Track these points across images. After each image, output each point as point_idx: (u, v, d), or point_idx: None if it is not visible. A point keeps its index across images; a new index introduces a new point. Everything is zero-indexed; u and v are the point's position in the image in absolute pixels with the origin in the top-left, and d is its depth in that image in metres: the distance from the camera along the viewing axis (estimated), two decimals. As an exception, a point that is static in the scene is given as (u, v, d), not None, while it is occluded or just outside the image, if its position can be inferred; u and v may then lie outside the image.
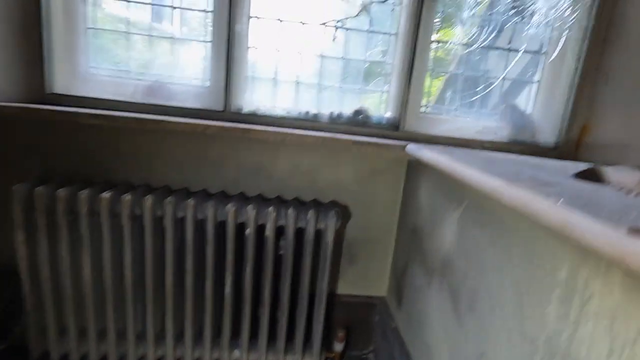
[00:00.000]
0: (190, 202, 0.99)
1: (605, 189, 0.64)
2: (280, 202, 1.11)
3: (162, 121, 1.07)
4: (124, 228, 1.00)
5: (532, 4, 1.30)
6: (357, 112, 1.40)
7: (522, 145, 1.41)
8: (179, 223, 1.03)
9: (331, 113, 1.39)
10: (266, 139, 1.10)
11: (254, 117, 1.35)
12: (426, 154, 0.91)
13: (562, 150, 1.40)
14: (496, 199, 0.56)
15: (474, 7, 1.31)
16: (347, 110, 1.40)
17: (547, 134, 1.41)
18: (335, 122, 1.38)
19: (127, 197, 0.98)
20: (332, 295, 1.29)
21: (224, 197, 1.10)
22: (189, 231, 1.01)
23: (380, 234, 1.26)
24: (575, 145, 1.38)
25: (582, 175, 0.73)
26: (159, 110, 1.32)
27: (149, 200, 0.98)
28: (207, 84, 1.38)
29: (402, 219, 1.23)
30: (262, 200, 1.10)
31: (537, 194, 0.49)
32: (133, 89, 1.36)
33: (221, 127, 1.08)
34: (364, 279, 1.29)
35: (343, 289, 1.29)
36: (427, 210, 1.00)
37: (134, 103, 1.32)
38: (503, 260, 0.62)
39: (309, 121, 1.37)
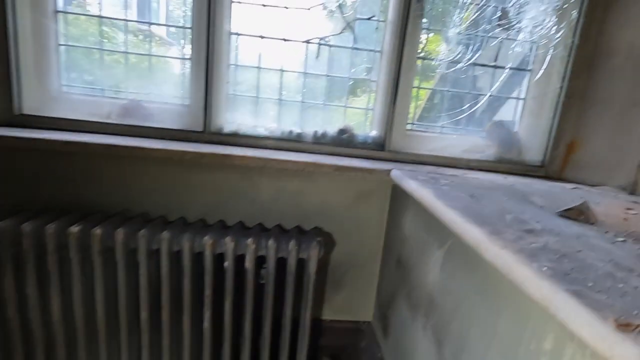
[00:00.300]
0: (165, 235, 0.95)
1: (592, 233, 0.62)
2: (262, 231, 1.07)
3: (138, 148, 1.02)
4: (94, 263, 0.94)
5: (517, 22, 1.28)
6: (342, 131, 1.36)
7: (509, 164, 1.39)
8: (154, 255, 0.98)
9: (315, 132, 1.35)
10: (246, 165, 1.05)
11: (235, 138, 1.31)
12: (410, 185, 0.88)
13: (548, 169, 1.38)
14: (479, 253, 0.53)
15: (459, 24, 1.28)
16: (332, 129, 1.37)
17: (534, 152, 1.40)
18: (320, 142, 1.34)
19: (97, 231, 0.93)
20: (317, 321, 1.25)
21: (202, 226, 1.06)
22: (164, 264, 0.96)
23: (365, 259, 1.23)
24: (562, 164, 1.37)
25: (567, 214, 0.71)
26: (136, 131, 1.26)
27: (120, 233, 0.93)
28: (187, 102, 1.33)
29: (387, 244, 1.20)
30: (242, 229, 1.06)
31: (520, 256, 0.46)
32: (108, 108, 1.30)
33: (199, 153, 1.04)
34: (350, 304, 1.26)
35: (329, 314, 1.26)
36: (412, 242, 0.97)
37: (109, 124, 1.27)
38: (489, 314, 0.59)
39: (292, 141, 1.33)
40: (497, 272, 0.59)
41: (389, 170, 1.08)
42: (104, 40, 1.32)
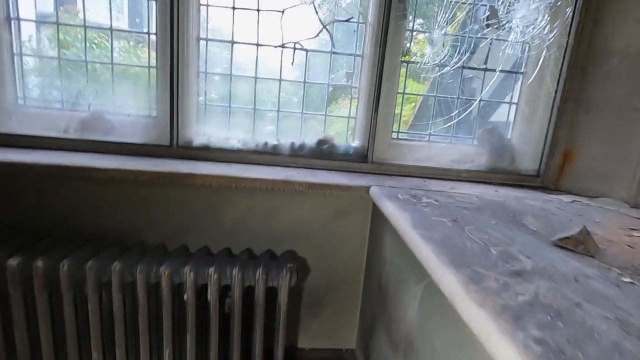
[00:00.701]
0: (116, 266, 0.85)
1: (592, 271, 0.52)
2: (228, 257, 0.97)
3: (88, 168, 0.92)
4: (37, 298, 0.84)
5: (507, 22, 1.19)
6: (321, 142, 1.27)
7: (501, 174, 1.29)
8: (106, 288, 0.88)
9: (292, 144, 1.26)
10: (210, 184, 0.96)
11: (205, 152, 1.21)
12: (387, 208, 0.78)
13: (544, 179, 1.29)
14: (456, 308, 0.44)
15: (445, 25, 1.19)
16: (311, 139, 1.27)
17: (528, 161, 1.30)
18: (297, 154, 1.25)
19: (39, 264, 0.83)
20: (292, 350, 1.15)
21: (162, 253, 0.96)
22: (116, 299, 0.86)
23: (346, 281, 1.13)
24: (558, 173, 1.27)
25: (564, 244, 0.61)
26: (96, 147, 1.17)
27: (65, 265, 0.83)
28: (154, 113, 1.24)
29: (369, 265, 1.10)
30: (206, 256, 0.96)
31: (501, 321, 0.36)
32: (66, 122, 1.20)
33: (157, 172, 0.94)
34: (331, 330, 1.16)
35: (306, 342, 1.16)
36: (391, 268, 0.87)
37: (68, 139, 1.17)
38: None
39: (268, 154, 1.23)
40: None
41: (368, 187, 0.98)
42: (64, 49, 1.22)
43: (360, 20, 1.24)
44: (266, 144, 1.25)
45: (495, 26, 1.20)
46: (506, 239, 0.63)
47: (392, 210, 0.76)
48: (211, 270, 0.87)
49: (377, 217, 1.05)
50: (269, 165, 1.21)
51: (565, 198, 1.10)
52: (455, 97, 1.31)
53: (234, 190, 1.04)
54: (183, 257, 0.93)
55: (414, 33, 1.25)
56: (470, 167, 1.29)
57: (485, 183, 1.27)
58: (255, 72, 1.26)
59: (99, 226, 1.02)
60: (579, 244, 0.60)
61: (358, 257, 1.11)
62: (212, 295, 0.88)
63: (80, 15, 1.24)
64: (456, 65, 1.22)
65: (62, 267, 0.84)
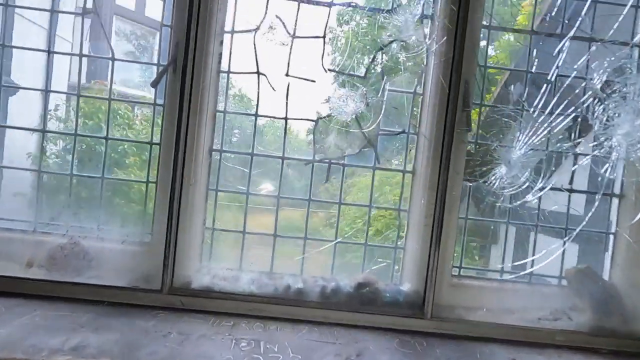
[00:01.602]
0: None
1: None
2: None
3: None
4: None
5: (606, 139, 0.92)
6: (361, 285, 0.95)
7: (611, 337, 0.93)
8: None
9: (323, 288, 0.94)
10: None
11: (206, 300, 0.90)
12: None
13: (673, 347, 0.92)
14: None
15: (526, 142, 0.92)
16: (347, 282, 0.95)
17: (647, 320, 0.94)
18: (329, 303, 0.92)
19: None
20: None
21: None
22: None
23: None
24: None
25: None
26: (64, 292, 0.88)
27: None
28: (147, 239, 0.96)
29: None
30: None
31: None
32: (32, 253, 0.93)
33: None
34: None
35: None
36: None
37: (28, 280, 0.88)
38: None
39: (290, 303, 0.92)
40: None
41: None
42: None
43: (411, 131, 0.99)
44: (288, 287, 0.94)
45: (593, 146, 0.93)
46: None
47: None
48: None
49: None
50: (291, 321, 0.89)
51: None
52: (531, 224, 1.01)
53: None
54: None
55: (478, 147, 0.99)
56: (567, 326, 0.93)
57: (590, 351, 0.91)
58: (279, 191, 0.99)
59: None
60: None
61: None
62: None
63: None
64: (540, 193, 0.93)
65: None
